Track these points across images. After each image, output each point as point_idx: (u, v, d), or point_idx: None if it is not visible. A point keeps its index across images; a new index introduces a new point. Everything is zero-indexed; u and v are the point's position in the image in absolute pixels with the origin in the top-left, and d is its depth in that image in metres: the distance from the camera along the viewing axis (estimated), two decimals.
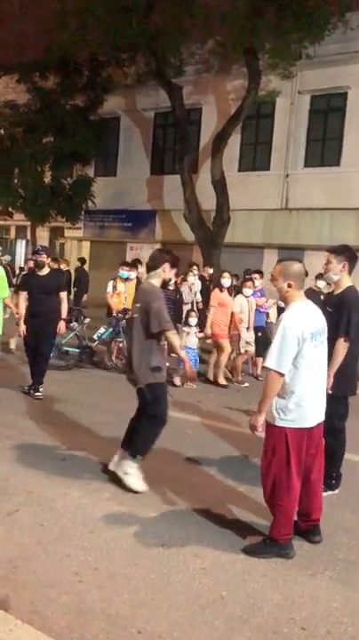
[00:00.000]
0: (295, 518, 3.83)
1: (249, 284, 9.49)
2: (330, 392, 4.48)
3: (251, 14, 13.44)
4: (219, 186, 15.65)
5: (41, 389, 7.39)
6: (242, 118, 15.64)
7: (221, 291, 9.16)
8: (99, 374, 9.30)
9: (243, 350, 9.29)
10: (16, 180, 18.19)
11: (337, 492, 4.80)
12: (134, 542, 3.78)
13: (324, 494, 4.47)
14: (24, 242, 23.89)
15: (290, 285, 3.68)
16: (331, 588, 3.42)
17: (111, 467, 4.76)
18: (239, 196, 16.34)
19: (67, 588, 3.20)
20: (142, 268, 10.34)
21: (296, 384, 3.60)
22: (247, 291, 9.36)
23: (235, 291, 10.59)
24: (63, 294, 7.72)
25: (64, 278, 12.28)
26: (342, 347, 4.55)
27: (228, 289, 9.38)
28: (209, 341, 9.50)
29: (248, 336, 9.33)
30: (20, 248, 24.07)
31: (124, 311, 9.70)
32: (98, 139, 18.99)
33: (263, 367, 3.76)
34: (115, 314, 9.72)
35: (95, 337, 9.76)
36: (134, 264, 10.65)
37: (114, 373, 9.15)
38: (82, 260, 17.68)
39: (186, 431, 6.29)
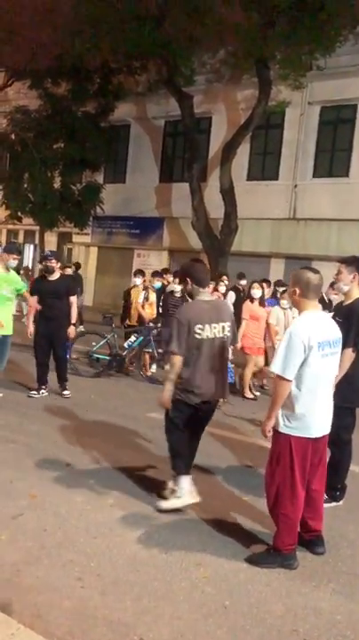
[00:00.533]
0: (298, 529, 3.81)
1: (285, 295, 9.07)
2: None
3: (262, 25, 13.51)
4: (228, 194, 15.69)
5: (68, 388, 7.82)
6: (251, 128, 15.68)
7: (252, 302, 8.98)
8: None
9: None
10: (26, 185, 18.29)
11: (341, 503, 4.77)
12: (137, 549, 3.77)
13: (328, 506, 4.47)
14: (32, 246, 24.00)
15: (295, 292, 3.69)
16: (335, 600, 3.40)
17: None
18: (247, 205, 16.37)
19: (70, 593, 3.20)
20: (141, 279, 10.45)
21: (302, 392, 3.59)
22: (284, 303, 9.01)
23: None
24: (73, 299, 7.90)
25: (80, 282, 12.35)
26: (348, 357, 4.55)
27: (260, 300, 9.16)
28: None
29: None
30: (29, 252, 24.20)
31: (156, 320, 9.89)
32: (108, 145, 19.08)
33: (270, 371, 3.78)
34: (147, 323, 9.79)
35: (126, 345, 9.76)
36: (162, 274, 10.88)
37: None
38: (77, 265, 17.65)
39: None
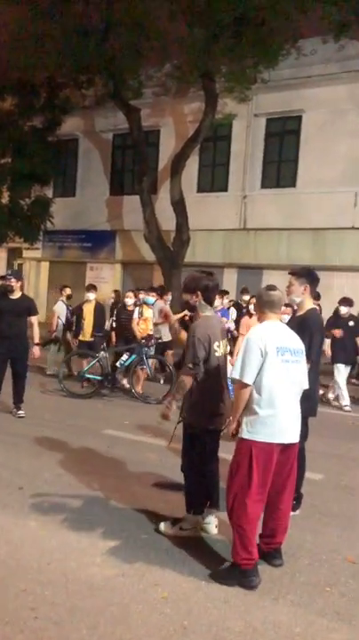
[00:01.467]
0: (257, 541, 3.79)
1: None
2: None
3: (207, 39, 13.70)
4: (179, 206, 15.78)
5: (22, 408, 7.65)
6: (199, 140, 15.86)
7: (250, 317, 8.64)
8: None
9: None
10: None
11: (298, 512, 4.79)
12: (93, 573, 3.68)
13: None
14: None
15: (256, 307, 4.02)
16: (293, 612, 3.39)
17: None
18: (198, 217, 16.50)
19: (23, 625, 3.08)
20: (94, 293, 10.36)
21: (263, 397, 3.61)
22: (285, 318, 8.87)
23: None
24: (34, 318, 7.83)
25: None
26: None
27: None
28: None
29: None
30: None
31: (149, 337, 9.71)
32: (56, 159, 18.94)
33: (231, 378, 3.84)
34: (140, 340, 9.57)
35: (118, 364, 9.56)
36: (159, 291, 10.78)
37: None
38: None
39: (148, 455, 6.22)
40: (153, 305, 10.35)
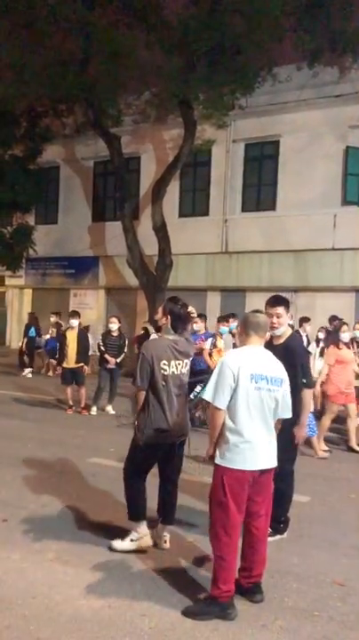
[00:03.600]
0: (236, 576, 3.69)
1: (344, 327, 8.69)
2: (297, 442, 4.68)
3: (183, 67, 13.96)
4: (161, 231, 15.89)
5: None
6: (179, 166, 16.05)
7: (338, 347, 8.34)
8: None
9: None
10: None
11: (285, 535, 4.77)
12: (79, 605, 3.61)
13: (272, 539, 4.44)
14: None
15: (239, 330, 4.01)
16: (282, 638, 3.36)
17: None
18: (180, 241, 16.62)
19: None
20: (77, 320, 10.33)
21: (234, 423, 3.59)
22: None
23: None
24: None
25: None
26: (309, 396, 4.69)
27: (348, 344, 8.54)
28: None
29: None
30: None
31: None
32: (37, 187, 18.98)
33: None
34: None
35: (191, 396, 8.50)
36: (227, 319, 10.24)
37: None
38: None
39: None
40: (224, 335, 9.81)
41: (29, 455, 7.15)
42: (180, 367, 4.35)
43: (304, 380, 4.65)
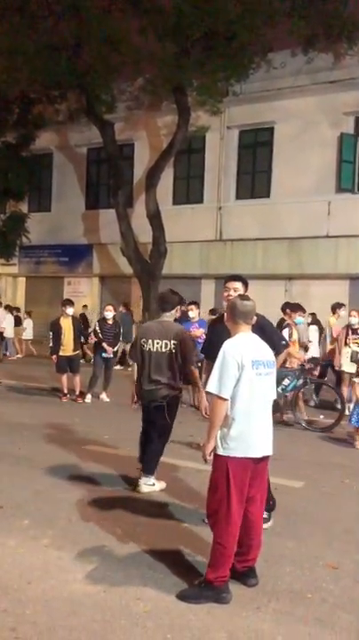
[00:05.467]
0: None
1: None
2: None
3: (177, 53, 13.86)
4: (155, 219, 15.85)
5: None
6: (173, 153, 15.98)
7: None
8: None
9: None
10: None
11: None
12: (74, 590, 3.64)
13: (267, 526, 4.46)
14: None
15: (227, 317, 3.92)
16: (276, 620, 3.39)
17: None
18: (175, 229, 16.58)
19: None
20: (71, 308, 10.30)
21: (238, 411, 3.57)
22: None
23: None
24: None
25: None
26: (284, 353, 4.96)
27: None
28: None
29: None
30: None
31: (315, 360, 9.30)
32: (31, 175, 18.91)
33: (206, 392, 3.76)
34: (301, 364, 8.78)
35: (279, 390, 7.95)
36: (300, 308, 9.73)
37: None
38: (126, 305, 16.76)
39: (130, 469, 6.18)
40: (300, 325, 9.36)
41: (24, 443, 7.16)
42: (160, 345, 5.32)
43: (283, 342, 5.00)
